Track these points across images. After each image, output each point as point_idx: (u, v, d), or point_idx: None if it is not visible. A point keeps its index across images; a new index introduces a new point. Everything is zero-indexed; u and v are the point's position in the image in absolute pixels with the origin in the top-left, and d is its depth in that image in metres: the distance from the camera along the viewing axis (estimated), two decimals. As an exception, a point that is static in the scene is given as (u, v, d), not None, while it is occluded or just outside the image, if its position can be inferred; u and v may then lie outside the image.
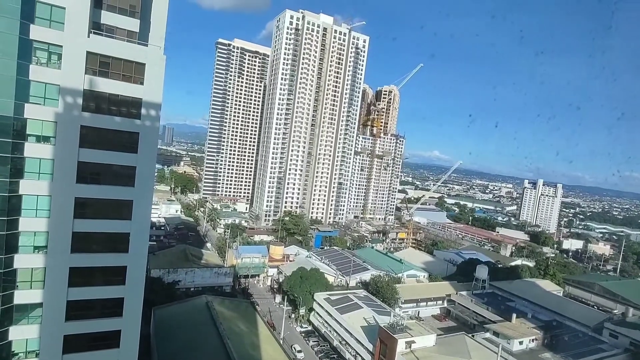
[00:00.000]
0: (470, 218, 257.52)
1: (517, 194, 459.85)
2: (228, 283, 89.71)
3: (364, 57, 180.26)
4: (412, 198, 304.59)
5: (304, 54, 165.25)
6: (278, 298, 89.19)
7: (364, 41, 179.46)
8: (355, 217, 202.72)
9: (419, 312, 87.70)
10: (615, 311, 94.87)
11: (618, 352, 67.44)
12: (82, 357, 33.10)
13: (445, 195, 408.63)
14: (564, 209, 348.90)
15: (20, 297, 31.03)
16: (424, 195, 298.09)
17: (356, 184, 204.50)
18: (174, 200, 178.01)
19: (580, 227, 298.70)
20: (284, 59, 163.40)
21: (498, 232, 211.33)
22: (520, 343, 64.22)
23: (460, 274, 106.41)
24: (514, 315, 73.10)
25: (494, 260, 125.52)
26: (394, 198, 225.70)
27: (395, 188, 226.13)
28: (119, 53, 32.33)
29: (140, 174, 33.84)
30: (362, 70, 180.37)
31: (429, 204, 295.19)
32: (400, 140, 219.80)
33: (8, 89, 28.57)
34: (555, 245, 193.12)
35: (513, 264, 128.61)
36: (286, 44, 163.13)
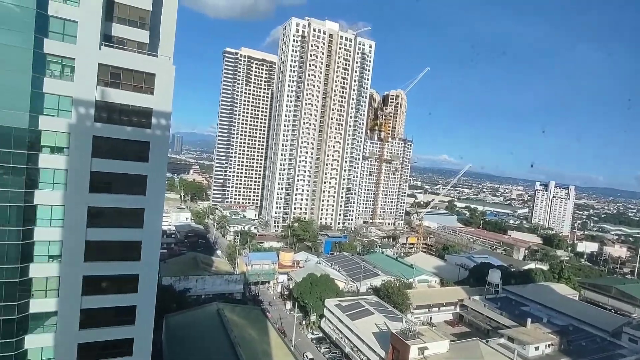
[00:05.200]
0: (481, 221, 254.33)
1: (528, 196, 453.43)
2: (238, 290, 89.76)
3: (370, 62, 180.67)
4: (422, 202, 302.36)
5: (310, 60, 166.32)
6: (289, 305, 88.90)
7: (370, 46, 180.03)
8: (364, 222, 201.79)
9: (431, 317, 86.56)
10: (634, 315, 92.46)
11: (639, 357, 65.61)
12: (95, 365, 33.34)
13: (455, 199, 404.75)
14: (578, 211, 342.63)
15: (36, 305, 31.45)
16: (433, 199, 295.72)
17: (365, 189, 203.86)
18: (184, 208, 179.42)
19: (595, 229, 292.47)
20: (291, 66, 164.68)
21: (510, 236, 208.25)
22: (536, 349, 62.87)
23: (473, 278, 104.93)
24: (529, 320, 71.68)
25: (506, 264, 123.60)
26: (403, 202, 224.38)
27: (404, 192, 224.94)
28: (129, 64, 32.89)
29: (151, 182, 34.20)
30: (368, 75, 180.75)
31: (439, 208, 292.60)
32: (408, 144, 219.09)
33: (23, 102, 29.25)
34: (570, 248, 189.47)
35: (526, 267, 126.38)
36: (292, 51, 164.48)
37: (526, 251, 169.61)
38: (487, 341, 64.11)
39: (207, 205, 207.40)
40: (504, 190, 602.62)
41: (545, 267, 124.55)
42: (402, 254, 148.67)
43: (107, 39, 32.51)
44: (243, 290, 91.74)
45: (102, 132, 32.15)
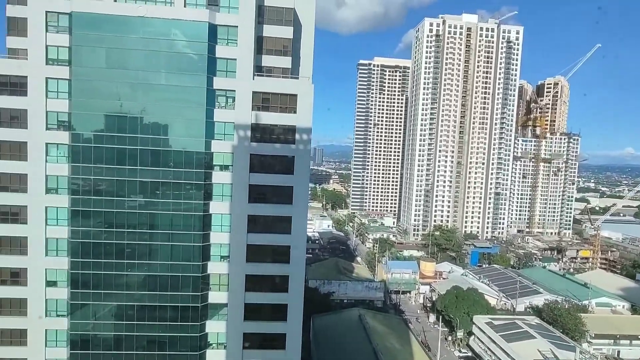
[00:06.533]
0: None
1: None
2: (379, 297, 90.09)
3: (517, 50, 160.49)
4: (597, 208, 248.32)
5: (446, 59, 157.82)
6: (432, 317, 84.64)
7: (517, 32, 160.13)
8: (519, 231, 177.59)
9: (618, 351, 69.77)
10: None
11: None
12: (257, 353, 38.16)
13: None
14: None
15: (213, 297, 38.04)
16: (614, 204, 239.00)
17: (518, 194, 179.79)
18: (326, 216, 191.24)
19: None
20: (425, 68, 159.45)
21: None
22: None
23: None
24: None
25: None
26: (570, 208, 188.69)
27: (571, 196, 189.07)
28: (276, 88, 37.21)
29: (296, 192, 37.65)
30: (516, 65, 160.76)
31: (624, 215, 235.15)
32: (573, 139, 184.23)
33: (200, 131, 36.23)
34: None
35: None
36: (427, 52, 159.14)
37: None
38: None
39: (346, 212, 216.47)
40: None
41: None
42: (571, 270, 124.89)
43: (258, 69, 37.59)
44: (383, 298, 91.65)
45: (257, 150, 37.09)
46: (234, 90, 36.74)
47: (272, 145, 37.38)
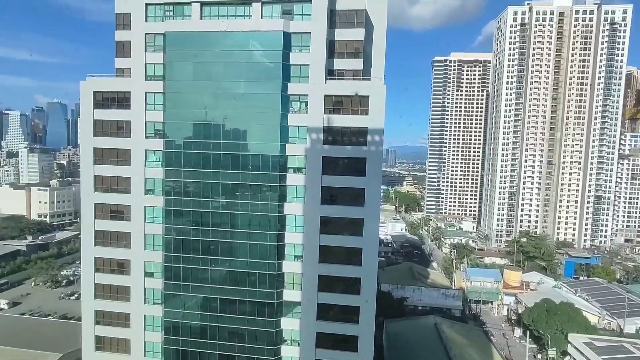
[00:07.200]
0: None
1: None
2: (457, 306, 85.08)
3: (624, 33, 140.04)
4: None
5: (534, 49, 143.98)
6: (518, 332, 77.48)
7: (624, 12, 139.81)
8: (627, 240, 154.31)
9: None
10: None
11: None
12: (329, 353, 38.53)
13: None
14: None
15: (287, 295, 39.41)
16: None
17: (625, 197, 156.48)
18: (399, 219, 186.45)
19: None
20: (509, 60, 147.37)
21: None
22: None
23: None
24: None
25: None
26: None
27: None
28: (348, 91, 37.30)
29: (368, 194, 37.29)
30: (622, 50, 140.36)
31: None
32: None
33: (276, 135, 37.88)
34: None
35: None
36: (510, 43, 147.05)
37: None
38: None
39: (420, 216, 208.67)
40: None
41: None
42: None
43: (329, 72, 38.08)
44: (462, 307, 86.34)
45: (329, 152, 37.59)
46: (307, 95, 37.72)
47: (344, 147, 37.56)
